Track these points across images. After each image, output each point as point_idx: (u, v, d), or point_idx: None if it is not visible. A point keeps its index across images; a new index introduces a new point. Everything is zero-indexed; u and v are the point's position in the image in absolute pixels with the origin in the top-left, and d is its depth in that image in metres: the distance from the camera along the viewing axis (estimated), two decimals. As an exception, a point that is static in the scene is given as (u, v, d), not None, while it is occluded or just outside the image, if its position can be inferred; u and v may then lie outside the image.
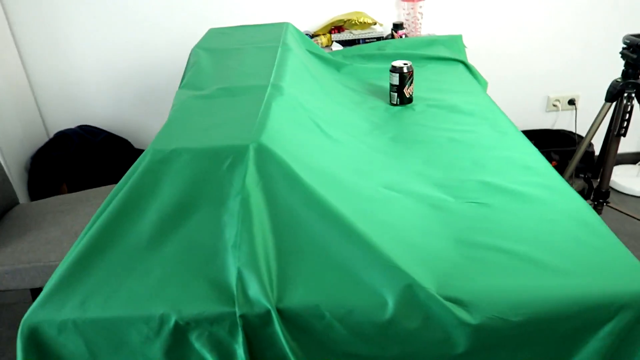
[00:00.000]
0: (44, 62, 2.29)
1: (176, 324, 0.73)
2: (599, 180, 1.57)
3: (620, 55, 1.36)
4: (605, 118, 1.48)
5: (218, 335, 0.74)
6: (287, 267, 0.76)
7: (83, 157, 2.25)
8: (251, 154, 0.82)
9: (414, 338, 0.73)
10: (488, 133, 1.23)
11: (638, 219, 1.50)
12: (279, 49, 1.35)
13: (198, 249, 0.78)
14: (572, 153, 2.35)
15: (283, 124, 0.95)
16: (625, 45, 1.33)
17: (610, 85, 1.40)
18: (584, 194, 1.60)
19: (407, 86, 1.43)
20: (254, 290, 0.73)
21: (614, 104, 1.37)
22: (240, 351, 0.74)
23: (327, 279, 0.74)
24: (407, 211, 0.90)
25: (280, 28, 1.61)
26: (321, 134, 1.07)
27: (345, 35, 2.13)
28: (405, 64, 1.43)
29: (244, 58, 1.31)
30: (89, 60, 2.31)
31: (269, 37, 1.49)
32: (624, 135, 1.41)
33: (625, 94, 1.34)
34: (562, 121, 2.55)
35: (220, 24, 2.25)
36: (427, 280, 0.73)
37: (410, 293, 0.72)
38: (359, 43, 2.14)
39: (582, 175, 2.30)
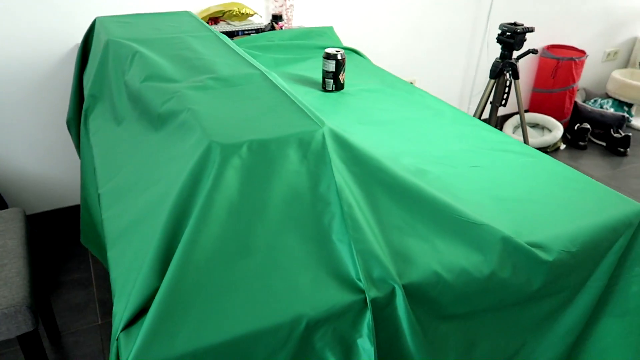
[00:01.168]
0: None
1: (307, 326, 0.67)
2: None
3: (496, 40, 1.66)
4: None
5: (341, 330, 0.70)
6: (395, 244, 0.76)
7: None
8: (327, 139, 0.78)
9: (504, 286, 0.81)
10: (445, 109, 1.37)
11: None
12: (219, 38, 1.27)
13: (304, 244, 0.72)
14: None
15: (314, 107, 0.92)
16: (501, 32, 1.63)
17: (493, 65, 1.70)
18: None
19: (341, 72, 1.48)
20: (378, 271, 0.71)
21: (495, 80, 1.68)
22: (362, 342, 0.72)
23: (432, 248, 0.77)
24: (439, 181, 0.98)
25: (189, 17, 1.49)
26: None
27: (223, 27, 2.05)
28: (337, 51, 1.48)
29: (192, 48, 1.19)
30: None
31: (192, 27, 1.37)
32: (504, 105, 1.73)
33: (504, 72, 1.65)
34: (406, 103, 2.91)
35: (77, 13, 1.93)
36: (510, 232, 0.82)
37: (502, 245, 0.80)
38: (237, 35, 2.09)
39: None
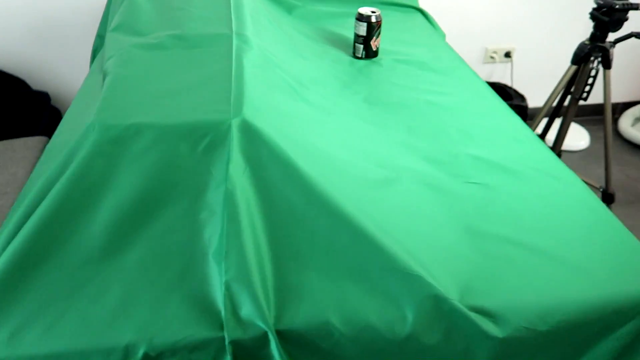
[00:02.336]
0: None
1: (146, 355, 0.57)
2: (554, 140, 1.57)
3: (589, 16, 1.31)
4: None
5: (200, 363, 0.60)
6: (286, 276, 0.62)
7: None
8: (234, 132, 0.64)
9: (432, 352, 0.64)
10: (467, 96, 1.14)
11: (589, 184, 1.53)
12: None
13: (170, 256, 0.61)
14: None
15: (261, 89, 0.77)
16: (596, 6, 1.28)
17: (577, 48, 1.36)
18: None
19: (374, 38, 1.27)
20: (247, 309, 0.59)
21: (578, 67, 1.35)
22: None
23: (335, 289, 0.62)
24: (408, 195, 0.79)
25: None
26: (299, 98, 0.90)
27: (288, -31, 1.88)
28: (373, 12, 1.27)
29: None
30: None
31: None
32: (585, 99, 1.40)
33: (592, 57, 1.32)
34: (497, 74, 2.55)
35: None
36: (449, 287, 0.64)
37: (433, 305, 0.62)
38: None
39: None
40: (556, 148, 1.55)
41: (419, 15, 1.63)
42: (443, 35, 1.71)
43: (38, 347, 0.56)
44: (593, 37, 1.33)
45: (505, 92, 2.49)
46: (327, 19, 1.50)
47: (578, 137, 2.47)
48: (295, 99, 0.88)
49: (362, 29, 1.26)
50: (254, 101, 0.70)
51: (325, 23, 1.48)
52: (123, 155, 0.62)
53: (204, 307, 0.59)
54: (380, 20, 1.27)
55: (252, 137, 0.65)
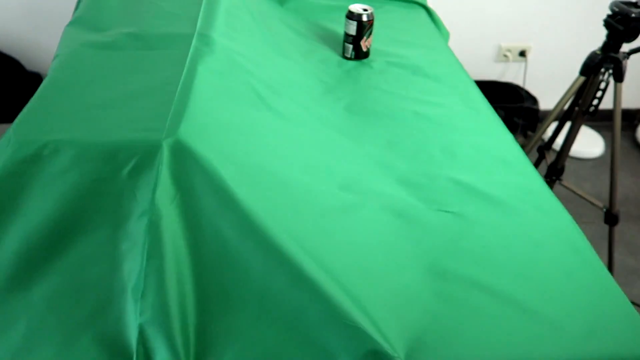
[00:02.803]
0: None
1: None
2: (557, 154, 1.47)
3: (603, 23, 1.20)
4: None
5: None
6: (211, 320, 0.56)
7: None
8: (165, 155, 0.57)
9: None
10: (459, 108, 1.05)
11: (592, 203, 1.43)
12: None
13: (83, 292, 0.55)
14: (519, 110, 2.27)
15: (212, 101, 0.69)
16: (611, 13, 1.17)
17: (587, 58, 1.25)
18: (536, 165, 1.51)
19: (365, 38, 1.18)
20: (162, 356, 0.52)
21: (587, 78, 1.23)
22: None
23: (265, 337, 0.55)
24: (370, 225, 0.72)
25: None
26: (263, 108, 0.83)
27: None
28: (365, 10, 1.18)
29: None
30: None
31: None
32: (593, 114, 1.29)
33: (603, 69, 1.21)
34: (510, 73, 2.43)
35: None
36: (396, 342, 0.56)
37: (372, 360, 0.55)
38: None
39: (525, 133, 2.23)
40: (559, 162, 1.45)
41: (423, 12, 1.53)
42: (447, 35, 1.61)
43: None
44: (605, 47, 1.22)
45: (517, 93, 2.37)
46: (321, 13, 1.41)
47: (591, 144, 2.35)
48: (260, 109, 0.81)
49: (352, 28, 1.17)
50: (198, 117, 0.63)
51: (319, 17, 1.39)
52: (38, 176, 0.56)
53: (116, 350, 0.53)
54: (373, 19, 1.18)
55: (186, 161, 0.58)
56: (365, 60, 1.21)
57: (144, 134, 0.58)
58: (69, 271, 0.55)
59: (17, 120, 0.59)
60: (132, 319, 0.53)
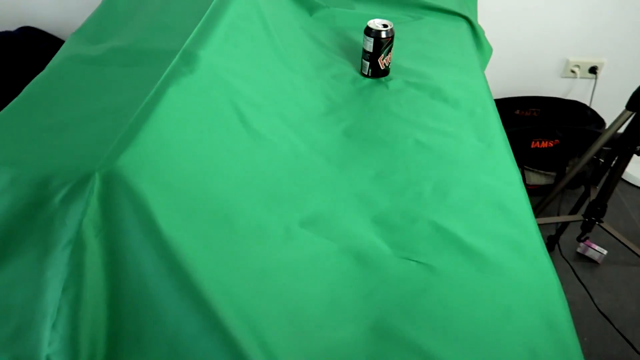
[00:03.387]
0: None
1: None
2: (598, 190, 1.32)
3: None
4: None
5: None
6: (120, 359, 0.55)
7: (23, 66, 1.95)
8: (97, 185, 0.57)
9: None
10: (469, 141, 0.96)
11: (633, 251, 1.28)
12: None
13: (8, 313, 0.56)
14: (581, 133, 2.07)
15: (175, 124, 0.68)
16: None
17: (636, 90, 1.10)
18: (580, 202, 1.37)
19: (383, 55, 1.12)
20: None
21: (634, 114, 1.08)
22: None
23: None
24: (322, 268, 0.68)
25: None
26: (241, 130, 0.81)
27: (337, -41, 1.73)
28: (385, 26, 1.11)
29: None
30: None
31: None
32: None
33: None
34: (576, 91, 2.22)
35: None
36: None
37: None
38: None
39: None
40: (601, 200, 1.30)
41: (465, 25, 1.43)
42: (489, 52, 1.50)
43: None
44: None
45: (582, 114, 2.17)
46: (350, 23, 1.35)
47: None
48: (237, 132, 0.78)
49: (369, 45, 1.11)
50: (147, 144, 0.62)
51: (348, 28, 1.34)
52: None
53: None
54: (392, 36, 1.11)
55: (118, 193, 0.57)
56: (383, 78, 1.15)
57: (80, 161, 0.58)
58: (-4, 292, 0.57)
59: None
60: (43, 348, 0.54)
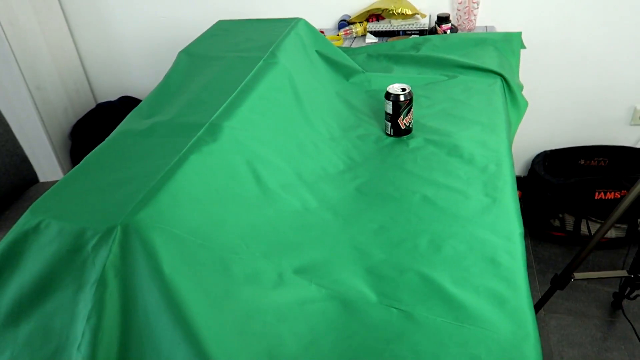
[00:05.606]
0: (90, 32, 2.33)
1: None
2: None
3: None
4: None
5: None
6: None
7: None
8: (118, 235, 0.72)
9: None
10: (475, 196, 1.01)
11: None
12: (260, 63, 1.20)
13: (51, 336, 0.72)
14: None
15: (192, 186, 0.83)
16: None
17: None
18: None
19: (402, 116, 1.21)
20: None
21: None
22: None
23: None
24: (307, 311, 0.76)
25: (285, 26, 1.44)
26: (254, 188, 0.93)
27: (382, 25, 1.89)
28: (403, 89, 1.21)
29: (214, 75, 1.18)
30: (130, 31, 2.31)
31: (263, 42, 1.33)
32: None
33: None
34: (649, 139, 2.11)
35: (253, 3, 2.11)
36: None
37: None
38: (398, 35, 1.89)
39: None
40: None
41: (499, 83, 1.48)
42: (524, 106, 1.52)
43: None
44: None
45: (654, 163, 2.04)
46: (385, 86, 1.46)
47: None
48: (248, 189, 0.91)
49: (389, 107, 1.21)
50: (164, 203, 0.77)
51: (382, 91, 1.45)
52: (34, 244, 0.75)
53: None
54: (410, 99, 1.20)
55: (134, 242, 0.71)
56: (405, 137, 1.24)
57: (108, 217, 0.73)
58: (42, 318, 0.73)
59: (39, 198, 0.80)
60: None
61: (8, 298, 0.74)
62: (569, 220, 2.00)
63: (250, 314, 0.73)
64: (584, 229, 1.98)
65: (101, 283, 0.70)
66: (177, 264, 0.72)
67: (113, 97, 2.45)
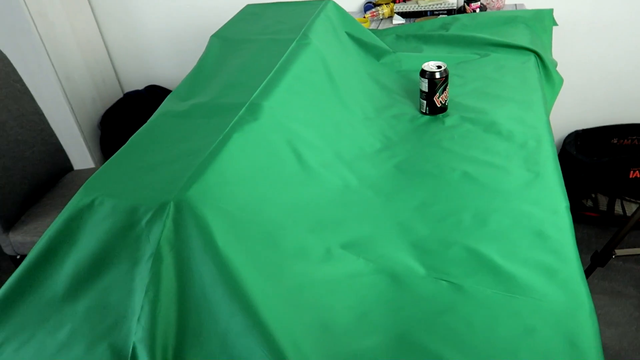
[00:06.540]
0: (116, 23, 2.35)
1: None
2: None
3: None
4: None
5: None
6: (185, 349, 0.69)
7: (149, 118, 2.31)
8: (171, 211, 0.73)
9: None
10: (516, 171, 1.00)
11: None
12: (293, 44, 1.21)
13: (108, 310, 0.73)
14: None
15: (237, 163, 0.84)
16: None
17: None
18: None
19: (438, 94, 1.20)
20: (146, 369, 0.67)
21: None
22: None
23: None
24: (356, 285, 0.77)
25: (314, 8, 1.43)
26: (296, 166, 0.94)
27: (409, 6, 1.87)
28: (439, 67, 1.20)
29: (248, 57, 1.19)
30: (155, 21, 2.32)
31: (294, 24, 1.33)
32: None
33: None
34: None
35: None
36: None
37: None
38: (426, 15, 1.87)
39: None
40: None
41: (533, 59, 1.45)
42: (559, 83, 1.50)
43: (10, 358, 0.74)
44: None
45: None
46: (416, 66, 1.44)
47: None
48: (290, 166, 0.92)
49: (425, 85, 1.20)
50: (212, 179, 0.78)
51: (413, 71, 1.44)
52: (89, 220, 0.77)
53: (120, 358, 0.70)
54: (446, 76, 1.19)
55: (187, 218, 0.72)
56: (440, 115, 1.23)
57: (160, 194, 0.75)
58: (100, 293, 0.74)
59: (90, 177, 0.82)
60: (131, 337, 0.70)
61: (66, 274, 0.77)
62: (602, 200, 1.97)
63: (302, 287, 0.74)
64: (618, 209, 1.95)
65: (157, 257, 0.72)
66: (229, 239, 0.73)
67: (138, 87, 2.48)
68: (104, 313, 0.74)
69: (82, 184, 0.82)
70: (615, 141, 2.13)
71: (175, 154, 0.85)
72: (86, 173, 1.77)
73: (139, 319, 0.70)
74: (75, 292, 0.76)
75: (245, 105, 0.96)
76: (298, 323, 0.69)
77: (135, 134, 0.94)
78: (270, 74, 1.08)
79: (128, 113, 2.34)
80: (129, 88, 2.52)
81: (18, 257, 1.62)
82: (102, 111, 2.38)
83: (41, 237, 0.81)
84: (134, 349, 0.69)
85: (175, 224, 0.73)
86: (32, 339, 0.75)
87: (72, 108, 2.20)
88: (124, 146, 0.90)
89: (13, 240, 1.57)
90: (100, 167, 0.85)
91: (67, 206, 0.80)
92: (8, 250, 1.60)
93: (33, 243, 1.54)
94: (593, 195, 1.97)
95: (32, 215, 1.62)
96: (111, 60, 2.46)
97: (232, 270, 0.70)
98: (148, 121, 0.99)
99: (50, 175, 1.73)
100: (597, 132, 2.13)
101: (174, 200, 0.74)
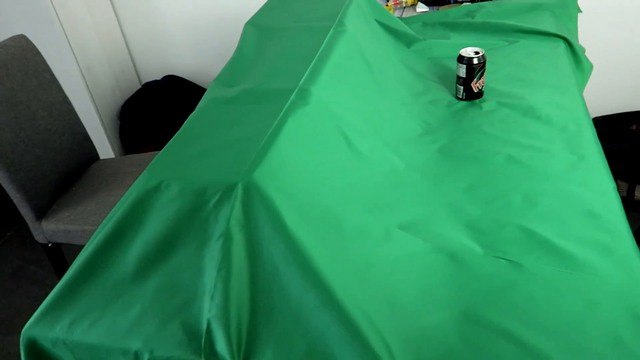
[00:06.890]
0: (134, 13, 2.35)
1: (146, 363, 0.73)
2: None
3: None
4: None
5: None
6: (258, 325, 0.71)
7: (168, 109, 2.33)
8: (239, 192, 0.75)
9: None
10: (560, 154, 1.02)
11: None
12: (330, 32, 1.22)
13: (178, 289, 0.75)
14: None
15: (293, 147, 0.85)
16: None
17: None
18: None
19: (476, 80, 1.22)
20: (220, 345, 0.69)
21: None
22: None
23: (296, 347, 0.68)
24: (417, 263, 0.79)
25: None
26: (346, 150, 0.96)
27: (433, -6, 1.87)
28: (476, 52, 1.21)
29: (287, 45, 1.20)
30: (172, 12, 2.32)
31: (327, 12, 1.34)
32: None
33: None
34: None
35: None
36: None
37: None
38: (449, 3, 1.88)
39: None
40: None
41: (562, 45, 1.46)
42: (589, 69, 1.51)
43: (82, 337, 0.76)
44: None
45: None
46: (446, 53, 1.47)
47: None
48: (341, 151, 0.94)
49: (462, 71, 1.22)
50: (274, 162, 0.80)
51: (443, 56, 1.45)
52: (156, 203, 0.78)
53: (193, 335, 0.72)
54: (484, 62, 1.21)
55: (255, 199, 0.74)
56: (477, 101, 1.25)
57: (227, 176, 0.76)
58: (169, 273, 0.76)
59: (153, 161, 0.83)
60: (205, 314, 0.72)
61: (134, 255, 0.78)
62: (622, 186, 1.99)
63: (367, 266, 0.76)
64: (638, 195, 1.97)
65: (227, 237, 0.73)
66: (296, 220, 0.75)
67: (156, 77, 2.49)
68: (173, 292, 0.76)
69: (109, 174, 0.84)
70: (635, 127, 2.14)
71: (231, 138, 0.87)
72: (111, 162, 1.79)
73: (212, 297, 0.72)
74: (144, 272, 0.77)
75: (295, 91, 0.97)
76: (368, 300, 0.71)
77: (187, 120, 0.95)
78: (313, 61, 1.09)
79: (147, 103, 2.35)
80: (146, 79, 2.53)
81: (50, 244, 1.63)
82: (121, 102, 2.39)
83: (105, 220, 0.83)
84: (209, 325, 0.71)
85: (244, 205, 0.75)
86: (102, 318, 0.77)
87: (93, 99, 2.21)
88: (178, 132, 0.92)
89: (46, 229, 1.59)
90: (160, 152, 0.86)
91: (130, 189, 0.81)
92: (40, 239, 1.62)
93: (65, 231, 1.56)
94: (614, 181, 1.99)
95: (62, 204, 1.63)
96: (129, 51, 2.46)
97: (302, 249, 0.71)
98: (197, 107, 1.00)
99: (78, 165, 1.74)
100: (617, 119, 2.14)
101: (241, 181, 0.75)
